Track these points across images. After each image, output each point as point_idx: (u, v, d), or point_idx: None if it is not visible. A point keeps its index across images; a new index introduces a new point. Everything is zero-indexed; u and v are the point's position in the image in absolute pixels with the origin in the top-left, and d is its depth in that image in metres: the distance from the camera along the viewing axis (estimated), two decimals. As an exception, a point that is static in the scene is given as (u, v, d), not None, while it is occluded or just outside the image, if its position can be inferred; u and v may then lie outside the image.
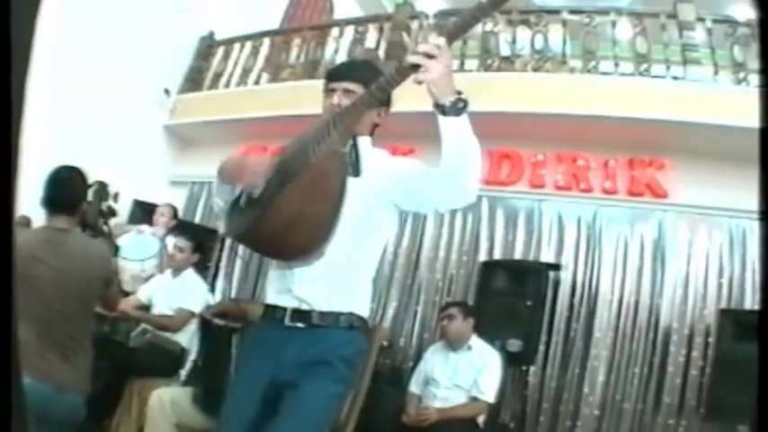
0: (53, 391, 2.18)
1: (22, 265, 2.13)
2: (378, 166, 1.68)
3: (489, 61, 5.34)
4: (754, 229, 4.60)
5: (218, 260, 5.41)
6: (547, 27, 5.32)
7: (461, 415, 3.48)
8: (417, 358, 4.31)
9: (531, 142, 5.15)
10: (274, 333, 1.67)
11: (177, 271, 3.98)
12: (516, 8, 5.49)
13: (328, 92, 1.74)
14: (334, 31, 6.32)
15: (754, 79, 4.72)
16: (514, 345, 4.04)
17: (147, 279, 4.23)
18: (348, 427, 2.09)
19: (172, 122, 6.52)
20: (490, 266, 4.72)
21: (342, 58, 5.90)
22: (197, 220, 6.11)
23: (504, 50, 5.40)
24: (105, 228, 3.61)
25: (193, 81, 6.68)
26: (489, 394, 3.50)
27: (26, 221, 3.07)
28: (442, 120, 1.43)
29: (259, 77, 6.43)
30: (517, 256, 4.99)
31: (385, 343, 4.28)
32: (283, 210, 1.49)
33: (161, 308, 3.84)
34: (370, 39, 6.10)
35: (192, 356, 3.70)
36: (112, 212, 4.95)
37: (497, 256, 5.03)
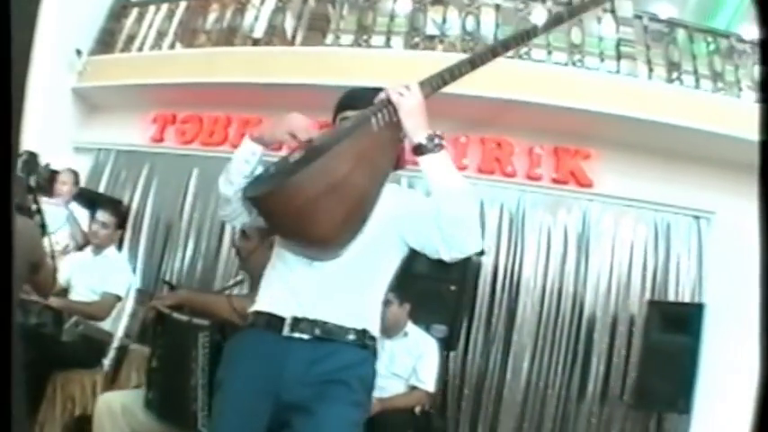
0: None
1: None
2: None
3: (417, 39, 5.20)
4: (678, 223, 4.71)
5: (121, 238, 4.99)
6: (479, 10, 5.23)
7: (401, 405, 3.24)
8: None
9: (456, 124, 4.99)
10: (270, 344, 1.44)
11: (99, 248, 3.59)
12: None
13: (342, 121, 1.55)
14: (255, -3, 6.00)
15: (688, 79, 4.83)
16: (439, 330, 3.85)
17: (64, 250, 3.87)
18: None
19: (80, 85, 6.00)
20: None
21: (262, 26, 5.62)
22: (101, 189, 5.60)
23: (432, 30, 5.27)
24: (35, 206, 3.10)
25: (105, 43, 6.18)
26: (429, 383, 3.29)
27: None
28: (423, 161, 1.37)
29: (174, 42, 6.03)
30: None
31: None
32: (330, 169, 1.29)
33: (81, 290, 3.47)
34: (293, 8, 5.80)
35: (116, 344, 3.43)
36: (41, 188, 4.38)
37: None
